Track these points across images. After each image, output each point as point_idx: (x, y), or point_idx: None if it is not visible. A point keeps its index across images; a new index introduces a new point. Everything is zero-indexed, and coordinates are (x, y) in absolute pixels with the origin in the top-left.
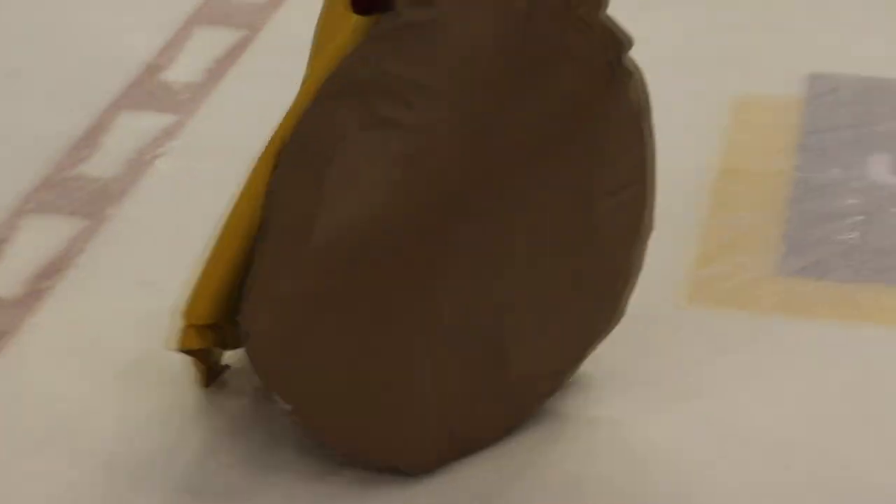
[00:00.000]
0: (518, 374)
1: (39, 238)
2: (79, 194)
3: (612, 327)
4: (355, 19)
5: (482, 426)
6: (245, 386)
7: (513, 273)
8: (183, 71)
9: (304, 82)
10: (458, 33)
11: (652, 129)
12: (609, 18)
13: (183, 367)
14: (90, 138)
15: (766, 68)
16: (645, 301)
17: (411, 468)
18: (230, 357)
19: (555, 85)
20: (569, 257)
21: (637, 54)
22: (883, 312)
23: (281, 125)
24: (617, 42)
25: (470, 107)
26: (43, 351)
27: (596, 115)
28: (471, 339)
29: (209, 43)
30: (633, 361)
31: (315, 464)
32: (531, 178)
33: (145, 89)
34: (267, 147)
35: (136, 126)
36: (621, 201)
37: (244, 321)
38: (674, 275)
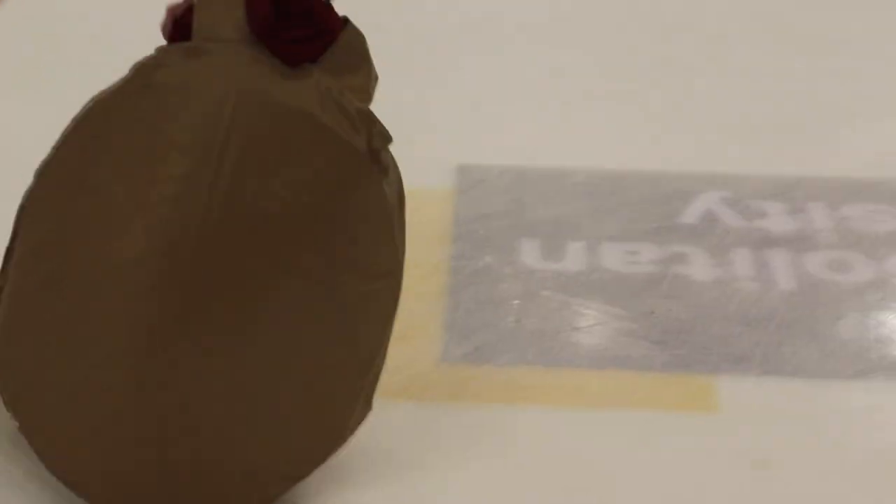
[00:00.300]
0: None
1: None
2: None
3: (355, 426)
4: None
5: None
6: None
7: (254, 358)
8: None
9: None
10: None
11: (404, 226)
12: (370, 110)
13: None
14: None
15: (417, 161)
16: None
17: None
18: None
19: (310, 162)
20: (313, 346)
21: None
22: (546, 393)
23: None
24: (379, 133)
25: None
26: None
27: (350, 202)
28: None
29: None
30: None
31: None
32: (277, 255)
33: None
34: None
35: None
36: (373, 291)
37: None
38: None
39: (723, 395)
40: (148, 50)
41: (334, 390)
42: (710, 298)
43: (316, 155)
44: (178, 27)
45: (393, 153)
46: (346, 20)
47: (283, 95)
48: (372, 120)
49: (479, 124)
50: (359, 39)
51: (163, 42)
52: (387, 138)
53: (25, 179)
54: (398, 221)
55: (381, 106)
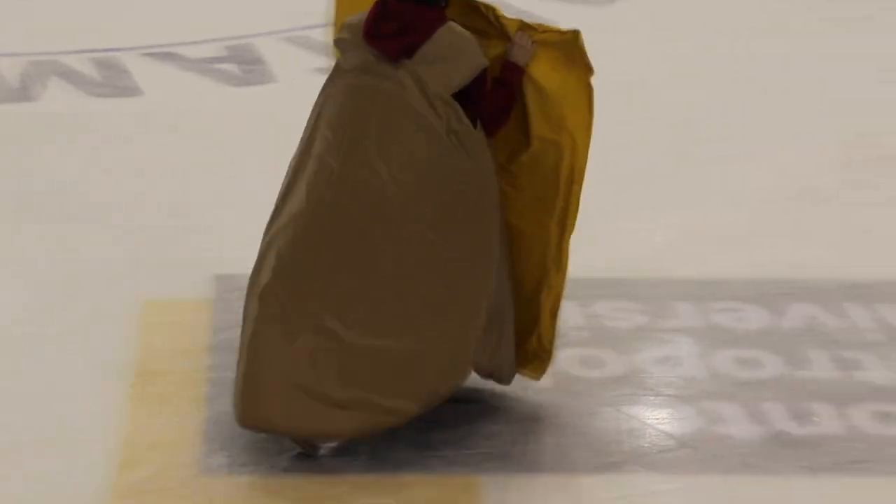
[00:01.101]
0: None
1: None
2: None
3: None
4: None
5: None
6: None
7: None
8: None
9: None
10: None
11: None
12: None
13: None
14: None
15: (174, 269)
16: None
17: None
18: None
19: (405, 143)
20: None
21: None
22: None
23: None
24: (456, 117)
25: None
26: None
27: (437, 176)
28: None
29: None
30: None
31: None
32: (388, 220)
33: None
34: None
35: None
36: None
37: None
38: (98, 482)
39: (485, 494)
40: None
41: (448, 334)
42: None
43: (409, 138)
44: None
45: (151, 259)
46: (446, 20)
47: (384, 84)
48: (452, 106)
49: (238, 234)
50: (452, 35)
51: None
52: (465, 123)
53: None
54: (486, 187)
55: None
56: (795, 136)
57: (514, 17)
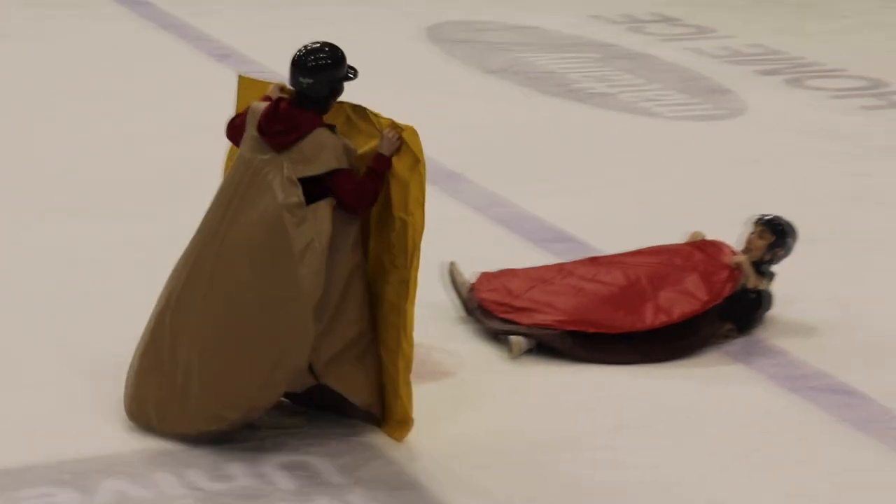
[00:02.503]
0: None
1: None
2: None
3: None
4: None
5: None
6: None
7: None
8: None
9: None
10: None
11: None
12: (297, 182)
13: None
14: None
15: None
16: None
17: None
18: None
19: (257, 208)
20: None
21: None
22: None
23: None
24: (297, 196)
25: None
26: None
27: (273, 238)
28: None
29: None
30: None
31: None
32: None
33: None
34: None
35: None
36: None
37: None
38: None
39: None
40: None
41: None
42: None
43: (262, 205)
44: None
45: None
46: (319, 125)
47: (258, 161)
48: (296, 185)
49: None
50: (320, 138)
51: None
52: (300, 202)
53: None
54: (310, 257)
55: None
56: None
57: (387, 117)
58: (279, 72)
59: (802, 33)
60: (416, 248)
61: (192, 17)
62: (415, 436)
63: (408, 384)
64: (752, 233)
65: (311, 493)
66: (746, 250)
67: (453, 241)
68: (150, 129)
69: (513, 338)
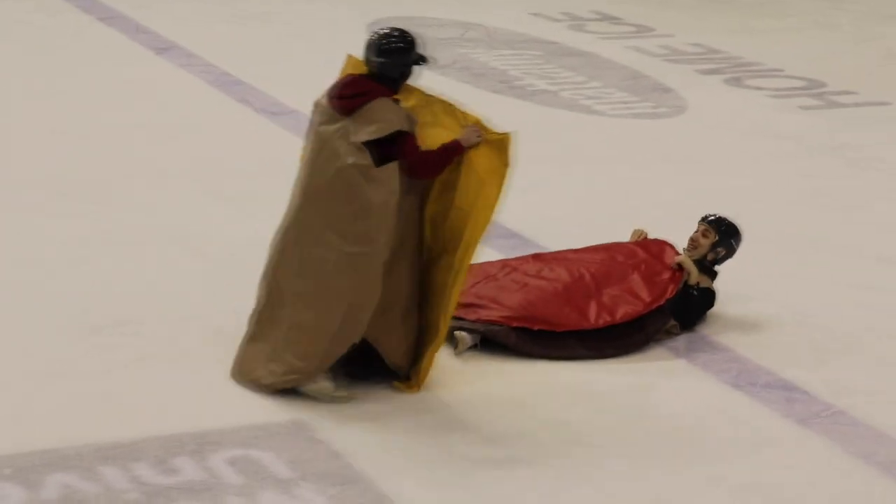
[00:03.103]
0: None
1: None
2: None
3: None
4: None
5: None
6: None
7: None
8: None
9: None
10: None
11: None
12: (361, 145)
13: None
14: None
15: None
16: None
17: None
18: None
19: (326, 172)
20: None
21: None
22: None
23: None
24: (365, 156)
25: None
26: None
27: (344, 199)
28: None
29: None
30: None
31: None
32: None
33: None
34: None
35: None
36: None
37: None
38: None
39: None
40: None
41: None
42: None
43: (333, 168)
44: None
45: None
46: (383, 94)
47: (331, 136)
48: (360, 149)
49: None
50: (382, 105)
51: None
52: (370, 163)
53: None
54: (382, 213)
55: None
56: None
57: (476, 114)
58: (220, 66)
59: (743, 33)
60: (473, 243)
61: (132, 10)
62: (361, 430)
63: (430, 361)
64: (697, 231)
65: (259, 488)
66: (691, 248)
67: None
68: (88, 124)
69: (458, 333)
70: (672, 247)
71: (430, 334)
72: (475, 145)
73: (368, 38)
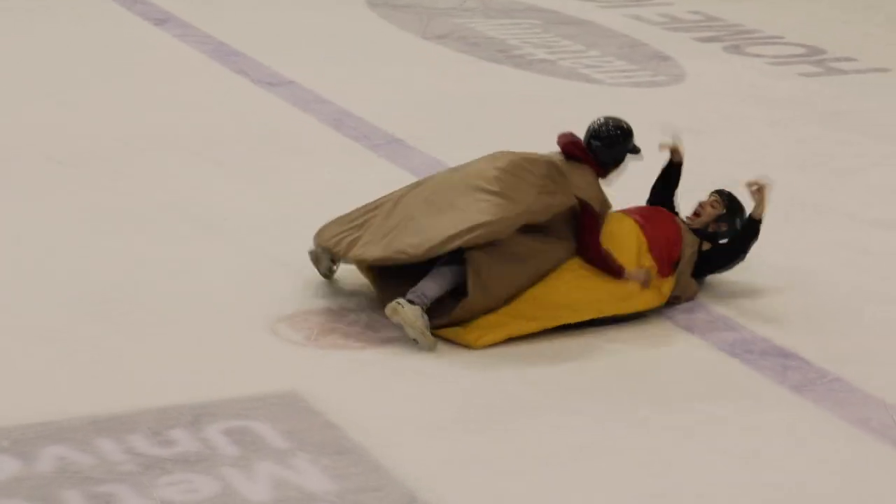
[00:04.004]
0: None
1: None
2: None
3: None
4: None
5: None
6: None
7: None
8: None
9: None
10: None
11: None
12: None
13: None
14: None
15: None
16: None
17: None
18: None
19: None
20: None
21: None
22: None
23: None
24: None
25: None
26: None
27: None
28: None
29: None
30: None
31: None
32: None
33: None
34: None
35: None
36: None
37: None
38: None
39: None
40: None
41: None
42: None
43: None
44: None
45: None
46: (593, 169)
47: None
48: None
49: None
50: (587, 175)
51: None
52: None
53: None
54: (553, 197)
55: None
56: None
57: (653, 265)
58: (217, 37)
59: (742, 0)
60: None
61: None
62: (357, 401)
63: (495, 328)
64: (706, 200)
65: (255, 458)
66: (696, 214)
67: None
68: (88, 95)
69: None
70: (671, 214)
71: (508, 309)
72: (635, 283)
73: (592, 122)
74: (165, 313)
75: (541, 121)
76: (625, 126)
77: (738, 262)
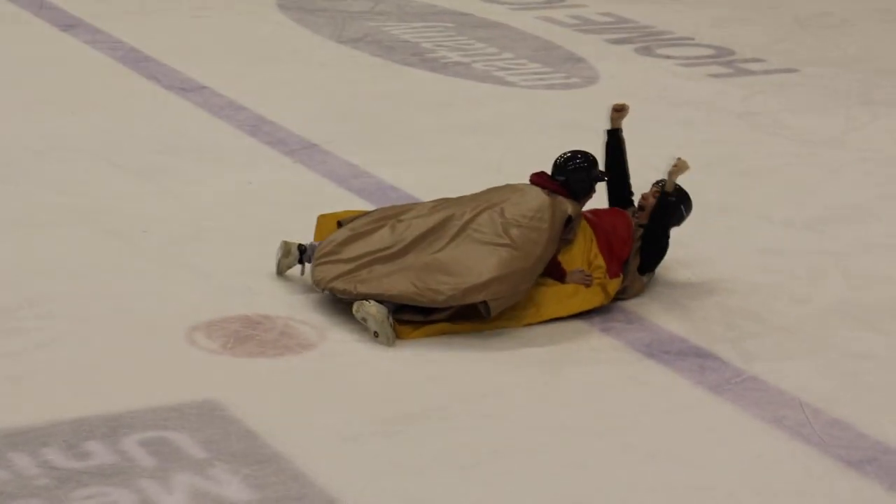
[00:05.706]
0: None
1: None
2: None
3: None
4: None
5: None
6: None
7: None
8: None
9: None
10: None
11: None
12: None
13: None
14: None
15: None
16: None
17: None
18: None
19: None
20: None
21: None
22: None
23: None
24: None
25: None
26: None
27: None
28: None
29: None
30: None
31: None
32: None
33: None
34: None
35: None
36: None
37: None
38: None
39: None
40: None
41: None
42: None
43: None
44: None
45: None
46: (561, 197)
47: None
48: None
49: None
50: (559, 204)
51: None
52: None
53: None
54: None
55: None
56: None
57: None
58: (128, 42)
59: (653, 2)
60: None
61: None
62: (276, 409)
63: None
64: (649, 191)
65: (172, 469)
66: (640, 207)
67: (314, 213)
68: None
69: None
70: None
71: (516, 309)
72: (581, 283)
73: (555, 160)
74: (78, 323)
75: (457, 123)
76: (590, 157)
77: (664, 244)
